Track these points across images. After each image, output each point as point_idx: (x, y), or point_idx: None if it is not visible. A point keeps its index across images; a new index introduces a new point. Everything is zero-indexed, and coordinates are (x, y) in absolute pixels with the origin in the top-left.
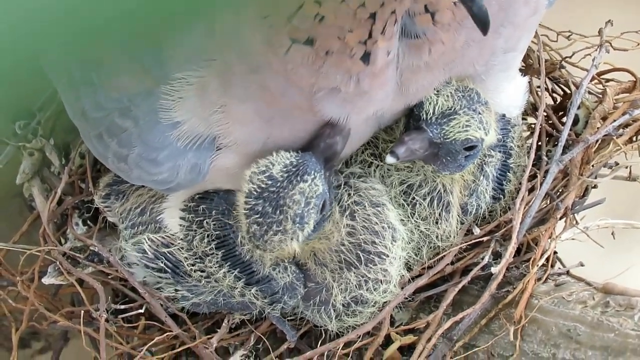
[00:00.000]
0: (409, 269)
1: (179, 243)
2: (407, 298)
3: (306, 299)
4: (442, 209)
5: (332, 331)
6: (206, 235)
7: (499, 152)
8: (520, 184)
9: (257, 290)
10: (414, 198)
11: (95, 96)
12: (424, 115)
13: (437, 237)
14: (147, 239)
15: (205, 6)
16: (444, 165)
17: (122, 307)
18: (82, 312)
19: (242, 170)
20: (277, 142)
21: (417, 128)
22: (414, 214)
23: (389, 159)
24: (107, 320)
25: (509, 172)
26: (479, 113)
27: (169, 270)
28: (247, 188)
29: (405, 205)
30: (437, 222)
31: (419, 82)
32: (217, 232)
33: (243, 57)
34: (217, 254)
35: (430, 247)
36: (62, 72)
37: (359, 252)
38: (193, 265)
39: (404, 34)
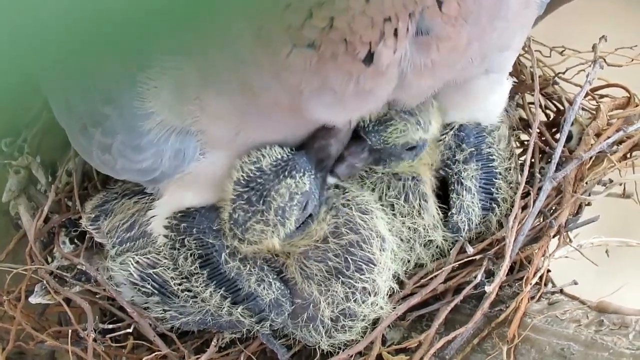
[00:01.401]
0: (400, 283)
1: (165, 263)
2: (399, 317)
3: (294, 317)
4: (419, 200)
5: (324, 350)
6: (189, 254)
7: (475, 161)
8: (515, 189)
9: (243, 309)
10: (389, 200)
11: (79, 85)
12: (362, 124)
13: (424, 228)
14: (132, 261)
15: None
16: (391, 164)
17: (110, 326)
18: (70, 331)
19: (221, 171)
20: (255, 140)
21: (356, 137)
22: (396, 214)
23: (330, 180)
24: (94, 340)
25: (496, 179)
26: (414, 114)
27: (156, 291)
28: (236, 176)
29: (387, 209)
30: (420, 214)
31: (422, 83)
32: (199, 251)
33: (228, 53)
34: (202, 274)
35: (421, 243)
36: (47, 67)
37: (347, 256)
38: (180, 285)
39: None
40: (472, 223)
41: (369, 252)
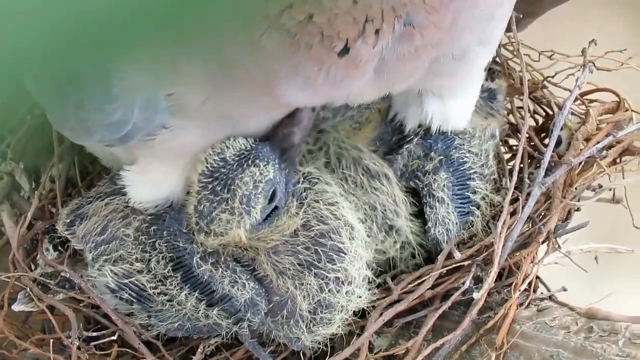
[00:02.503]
0: (387, 289)
1: (138, 266)
2: (386, 324)
3: (273, 315)
4: (365, 174)
5: (310, 357)
6: (161, 257)
7: (445, 169)
8: (497, 188)
9: (219, 310)
10: (341, 174)
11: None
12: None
13: (382, 209)
14: (108, 271)
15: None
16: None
17: (95, 334)
18: (53, 339)
19: (190, 141)
20: (225, 110)
21: None
22: (349, 189)
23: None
24: (79, 348)
25: (471, 181)
26: None
27: (134, 300)
28: (200, 168)
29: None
30: (374, 190)
31: (405, 68)
32: (170, 254)
33: (208, 22)
34: (175, 276)
35: (381, 227)
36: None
37: (317, 248)
38: (155, 288)
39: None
40: (451, 233)
41: (338, 241)
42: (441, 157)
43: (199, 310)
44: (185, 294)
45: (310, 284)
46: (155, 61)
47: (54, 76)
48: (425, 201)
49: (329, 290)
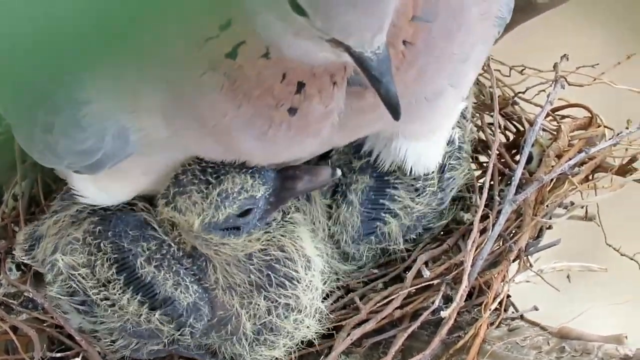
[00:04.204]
0: (355, 308)
1: (83, 271)
2: (354, 343)
3: (218, 330)
4: None
5: None
6: (106, 259)
7: (368, 174)
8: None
9: (161, 314)
10: None
11: (24, 64)
12: None
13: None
14: (61, 259)
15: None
16: None
17: (59, 355)
18: None
19: (153, 168)
20: (190, 149)
21: None
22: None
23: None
24: None
25: (391, 189)
26: None
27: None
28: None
29: None
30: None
31: (367, 118)
32: (115, 256)
33: (162, 53)
34: (119, 279)
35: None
36: None
37: (269, 272)
38: (98, 293)
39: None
40: (348, 233)
41: (293, 269)
42: (369, 158)
43: (142, 314)
44: (128, 297)
45: (258, 305)
46: (123, 93)
47: (22, 98)
48: (336, 198)
49: (276, 315)
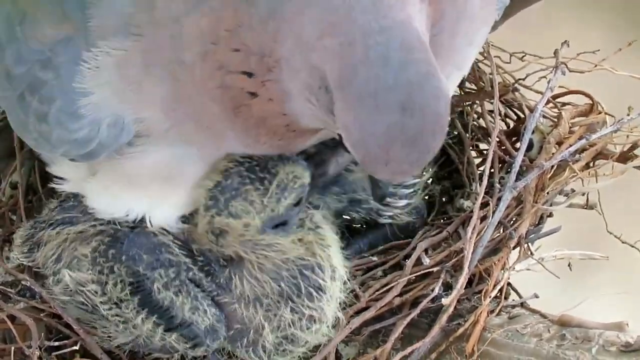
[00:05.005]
0: (355, 296)
1: (93, 287)
2: (353, 332)
3: (233, 341)
4: None
5: None
6: (119, 280)
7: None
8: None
9: (178, 336)
10: None
11: (19, 50)
12: None
13: None
14: (68, 274)
15: None
16: None
17: (56, 344)
18: (14, 349)
19: (150, 165)
20: (190, 140)
21: None
22: None
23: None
24: (40, 358)
25: None
26: None
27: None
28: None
29: None
30: None
31: None
32: (130, 279)
33: (177, 48)
34: (132, 300)
35: None
36: None
37: (300, 281)
38: (110, 310)
39: None
40: None
41: (321, 278)
42: None
43: (157, 334)
44: (142, 318)
45: (284, 316)
46: (121, 84)
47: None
48: None
49: (300, 327)
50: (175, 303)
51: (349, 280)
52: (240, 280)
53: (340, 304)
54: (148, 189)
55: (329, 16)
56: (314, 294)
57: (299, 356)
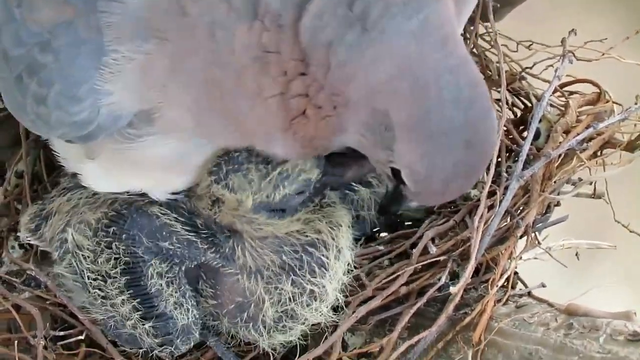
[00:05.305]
0: (361, 285)
1: (87, 253)
2: (360, 321)
3: (232, 317)
4: None
5: (280, 356)
6: (114, 257)
7: None
8: None
9: (150, 327)
10: None
11: (17, 32)
12: None
13: None
14: (71, 233)
15: None
16: None
17: (62, 333)
18: (19, 339)
19: (164, 158)
20: (213, 139)
21: None
22: None
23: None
24: (45, 348)
25: None
26: None
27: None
28: None
29: None
30: None
31: None
32: (126, 258)
33: (214, 53)
34: (120, 279)
35: None
36: None
37: (303, 255)
38: (94, 280)
39: None
40: None
41: (324, 255)
42: None
43: (130, 319)
44: (123, 299)
45: (284, 290)
46: (144, 87)
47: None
48: None
49: (300, 302)
50: (163, 293)
51: (354, 264)
52: (242, 251)
53: (343, 287)
54: (153, 174)
55: (401, 62)
56: (317, 270)
57: (296, 336)
